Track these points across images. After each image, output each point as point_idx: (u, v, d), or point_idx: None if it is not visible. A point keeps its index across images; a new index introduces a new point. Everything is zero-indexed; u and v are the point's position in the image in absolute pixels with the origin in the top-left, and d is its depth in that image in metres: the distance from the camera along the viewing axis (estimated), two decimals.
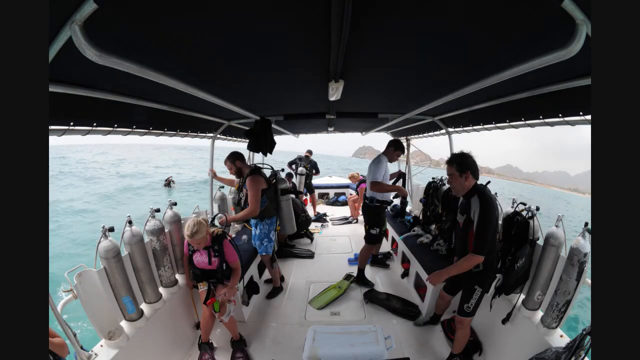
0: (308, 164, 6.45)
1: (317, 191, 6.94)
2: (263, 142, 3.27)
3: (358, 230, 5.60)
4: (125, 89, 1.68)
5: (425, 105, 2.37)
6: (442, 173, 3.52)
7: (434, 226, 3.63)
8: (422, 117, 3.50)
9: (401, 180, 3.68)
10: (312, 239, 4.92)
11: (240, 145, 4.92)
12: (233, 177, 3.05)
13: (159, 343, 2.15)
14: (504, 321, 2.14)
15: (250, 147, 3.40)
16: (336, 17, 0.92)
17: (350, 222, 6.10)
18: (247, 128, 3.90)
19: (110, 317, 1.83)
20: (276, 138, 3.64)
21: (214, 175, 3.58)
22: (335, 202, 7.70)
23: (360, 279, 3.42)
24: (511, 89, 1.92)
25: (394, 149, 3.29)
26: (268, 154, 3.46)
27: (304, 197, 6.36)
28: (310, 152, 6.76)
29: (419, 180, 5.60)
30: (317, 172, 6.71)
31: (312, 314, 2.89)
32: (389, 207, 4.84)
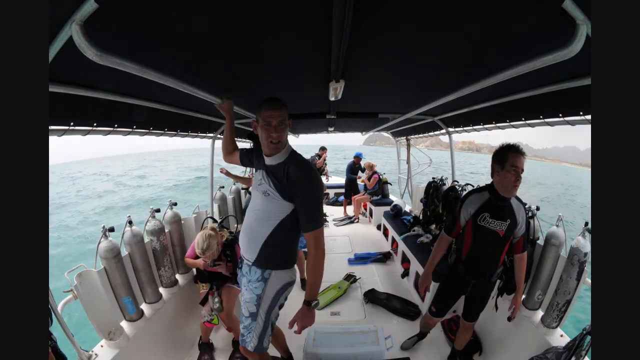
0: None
1: None
2: None
3: (358, 230, 5.60)
4: (126, 89, 1.68)
5: (426, 105, 2.37)
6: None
7: (434, 226, 3.63)
8: (423, 117, 3.50)
9: None
10: None
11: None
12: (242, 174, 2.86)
13: (159, 343, 2.16)
14: (510, 318, 2.13)
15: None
16: (337, 17, 0.92)
17: (352, 222, 6.10)
18: (248, 128, 3.91)
19: (111, 318, 1.83)
20: None
21: (226, 173, 3.44)
22: (335, 202, 7.71)
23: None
24: (511, 89, 1.92)
25: None
26: None
27: None
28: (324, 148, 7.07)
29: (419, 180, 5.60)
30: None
31: None
32: (389, 207, 4.86)
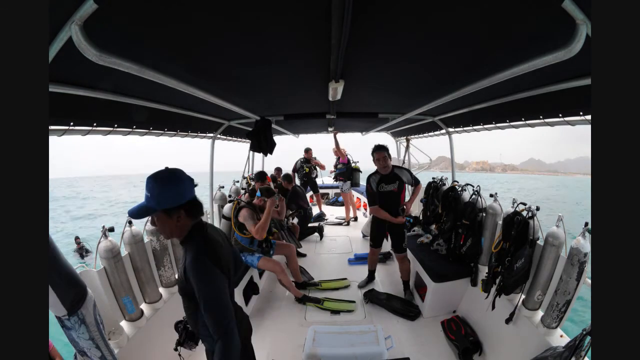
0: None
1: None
2: (264, 143, 3.28)
3: (358, 230, 5.59)
4: (125, 89, 1.68)
5: (426, 105, 2.37)
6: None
7: (434, 226, 3.62)
8: (423, 117, 3.50)
9: None
10: (321, 236, 4.97)
11: (241, 146, 4.93)
12: None
13: (159, 343, 2.15)
14: (507, 321, 2.13)
15: (253, 148, 3.42)
16: (337, 17, 0.92)
17: (340, 224, 5.88)
18: (247, 128, 3.91)
19: (110, 317, 1.82)
20: (276, 138, 3.66)
21: None
22: (335, 202, 7.70)
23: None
24: (511, 89, 1.92)
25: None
26: (269, 154, 3.47)
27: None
28: (308, 150, 6.40)
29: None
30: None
31: (312, 314, 2.89)
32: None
